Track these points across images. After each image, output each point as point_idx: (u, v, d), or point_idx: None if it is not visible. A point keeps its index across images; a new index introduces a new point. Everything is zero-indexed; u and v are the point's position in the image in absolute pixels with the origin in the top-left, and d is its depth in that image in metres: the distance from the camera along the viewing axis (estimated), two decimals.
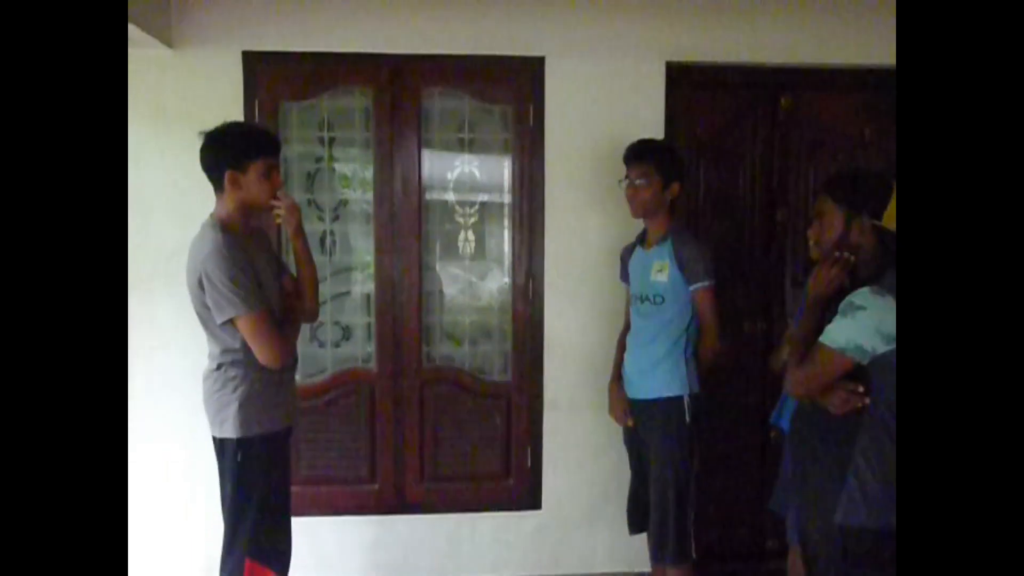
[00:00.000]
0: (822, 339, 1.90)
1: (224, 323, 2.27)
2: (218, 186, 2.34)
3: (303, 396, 3.30)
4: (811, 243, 2.54)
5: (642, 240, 2.89)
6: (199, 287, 2.26)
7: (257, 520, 2.38)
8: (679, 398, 2.71)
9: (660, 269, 2.75)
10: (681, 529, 2.72)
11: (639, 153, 2.79)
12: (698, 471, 2.76)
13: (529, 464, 3.40)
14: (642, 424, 2.82)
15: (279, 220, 2.47)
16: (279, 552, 2.48)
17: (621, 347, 2.97)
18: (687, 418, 2.70)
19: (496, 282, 3.45)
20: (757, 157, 3.44)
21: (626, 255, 2.98)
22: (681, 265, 2.71)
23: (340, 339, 3.39)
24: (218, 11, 3.13)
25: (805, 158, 3.45)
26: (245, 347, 2.32)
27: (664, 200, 2.77)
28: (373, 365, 3.36)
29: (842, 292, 1.97)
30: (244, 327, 2.27)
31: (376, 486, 3.38)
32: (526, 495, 3.42)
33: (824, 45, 3.31)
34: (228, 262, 2.22)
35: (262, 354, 2.30)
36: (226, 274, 2.21)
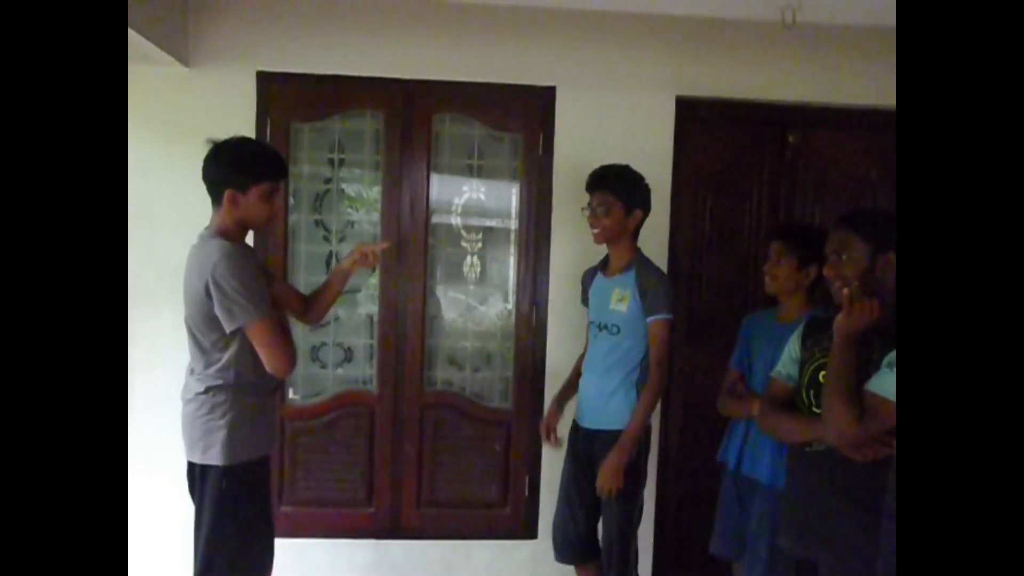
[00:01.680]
0: (882, 392, 1.81)
1: (231, 333, 2.22)
2: (216, 200, 2.30)
3: (302, 417, 3.29)
4: (768, 280, 2.62)
5: (604, 266, 2.87)
6: (205, 295, 2.19)
7: (236, 546, 2.31)
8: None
9: (620, 299, 2.73)
10: (624, 558, 2.74)
11: (600, 180, 2.77)
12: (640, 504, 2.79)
13: (527, 493, 3.38)
14: (594, 453, 2.79)
15: (353, 263, 2.55)
16: None
17: (576, 372, 2.96)
18: (634, 451, 2.70)
19: (499, 308, 3.45)
20: (764, 192, 3.46)
21: (587, 279, 2.96)
22: (643, 295, 2.69)
23: (342, 360, 3.39)
24: (234, 31, 3.17)
25: (811, 195, 3.47)
26: (236, 370, 2.27)
27: (627, 227, 2.76)
28: (374, 388, 3.35)
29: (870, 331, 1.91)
30: (256, 333, 2.21)
31: (372, 509, 3.36)
32: (523, 524, 3.40)
33: (833, 84, 3.34)
34: (240, 268, 2.18)
35: (272, 361, 2.24)
36: (239, 280, 2.16)
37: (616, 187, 2.74)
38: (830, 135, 3.46)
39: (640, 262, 2.78)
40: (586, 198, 3.23)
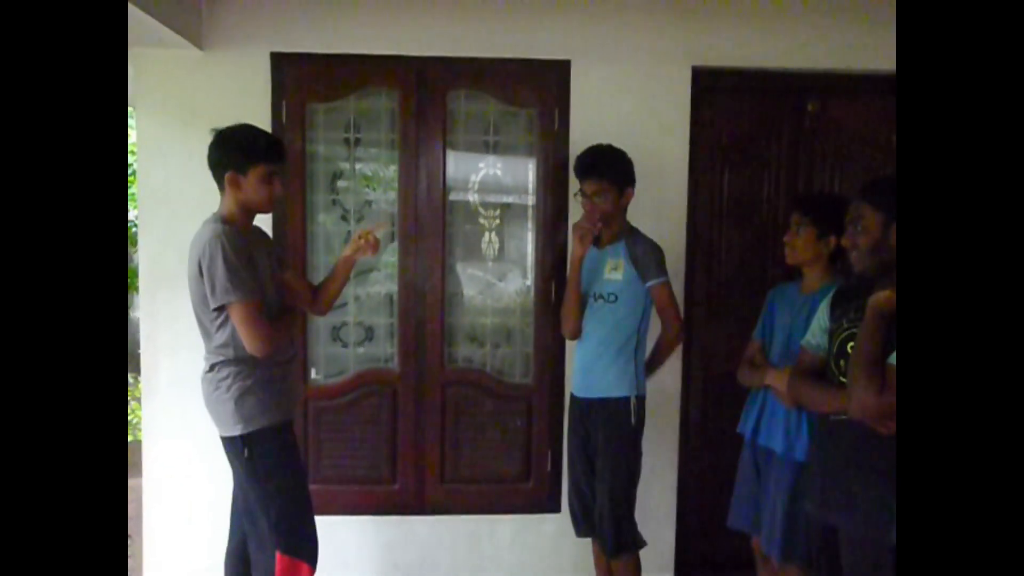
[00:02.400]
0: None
1: (217, 311, 2.32)
2: (220, 185, 2.42)
3: (325, 396, 3.32)
4: (788, 251, 2.62)
5: (596, 240, 2.90)
6: (199, 275, 2.31)
7: (279, 514, 2.41)
8: (626, 399, 2.78)
9: (614, 268, 2.79)
10: (628, 523, 2.82)
11: (591, 167, 2.79)
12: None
13: (549, 467, 3.40)
14: (591, 423, 2.86)
15: (355, 251, 2.61)
16: (308, 542, 2.50)
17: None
18: (632, 419, 2.78)
19: (518, 284, 3.45)
20: (783, 162, 3.43)
21: None
22: (636, 263, 2.76)
23: (363, 339, 3.41)
24: (247, 13, 3.16)
25: (831, 164, 3.43)
26: (234, 346, 2.37)
27: (620, 206, 2.81)
28: (395, 366, 3.37)
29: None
30: (235, 314, 2.31)
31: (396, 487, 3.39)
32: (546, 498, 3.42)
33: (851, 51, 3.29)
34: (226, 249, 2.27)
35: (250, 342, 2.33)
36: (223, 260, 2.26)
37: (607, 172, 2.77)
38: (849, 102, 3.42)
39: (629, 232, 2.85)
40: None
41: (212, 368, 2.41)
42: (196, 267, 2.31)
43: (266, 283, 2.42)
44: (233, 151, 2.37)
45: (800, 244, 2.59)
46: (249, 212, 2.45)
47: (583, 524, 2.97)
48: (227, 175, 2.37)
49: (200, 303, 2.36)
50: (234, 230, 2.34)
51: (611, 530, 2.81)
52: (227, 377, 2.38)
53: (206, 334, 2.41)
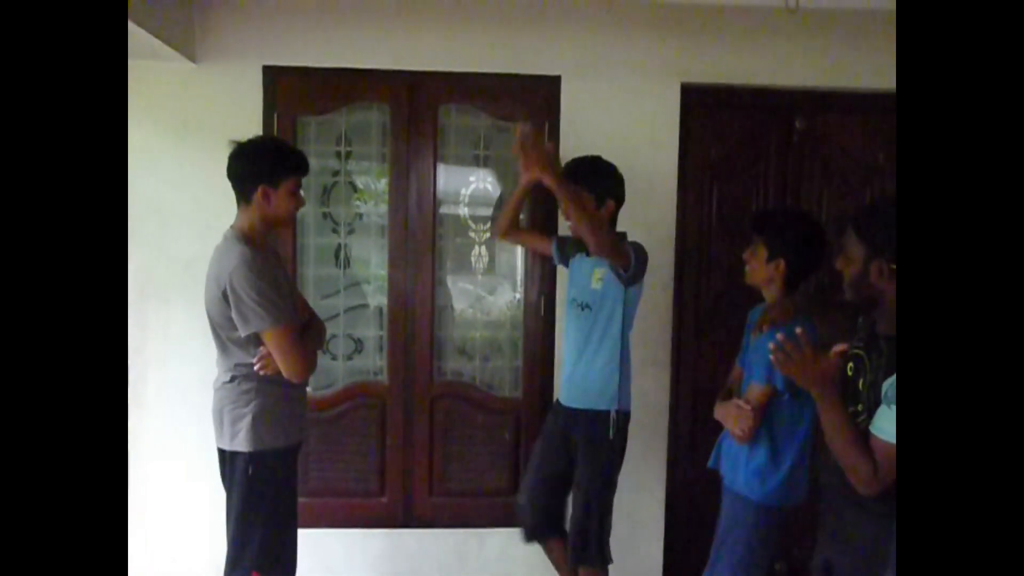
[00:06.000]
0: (886, 436, 1.73)
1: (247, 336, 2.27)
2: (246, 199, 2.35)
3: (314, 408, 3.31)
4: (747, 269, 2.49)
5: (583, 247, 2.88)
6: (223, 299, 2.25)
7: (265, 534, 2.37)
8: (606, 412, 2.78)
9: (600, 277, 2.80)
10: (602, 535, 2.82)
11: (571, 175, 2.78)
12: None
13: None
14: (573, 432, 2.87)
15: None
16: (285, 566, 2.47)
17: None
18: (611, 433, 2.78)
19: (508, 297, 3.46)
20: (771, 179, 3.46)
21: (562, 245, 3.04)
22: (617, 272, 2.74)
23: (352, 352, 3.41)
24: (240, 26, 3.18)
25: (819, 181, 3.46)
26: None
27: (600, 217, 2.78)
28: (384, 378, 3.37)
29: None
30: (271, 341, 2.27)
31: (385, 500, 3.38)
32: None
33: (839, 68, 3.33)
34: (256, 275, 2.23)
35: (287, 367, 2.29)
36: (254, 287, 2.22)
37: (587, 181, 2.77)
38: (837, 120, 3.44)
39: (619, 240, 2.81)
40: None
41: (233, 379, 2.34)
42: (220, 292, 2.25)
43: (289, 302, 2.37)
44: (266, 165, 2.33)
45: (754, 264, 2.46)
46: (271, 226, 2.41)
47: (535, 525, 2.97)
48: (259, 189, 2.31)
49: (223, 321, 2.30)
50: (259, 252, 2.30)
51: (577, 540, 2.82)
52: (249, 391, 2.33)
53: (225, 350, 2.35)
